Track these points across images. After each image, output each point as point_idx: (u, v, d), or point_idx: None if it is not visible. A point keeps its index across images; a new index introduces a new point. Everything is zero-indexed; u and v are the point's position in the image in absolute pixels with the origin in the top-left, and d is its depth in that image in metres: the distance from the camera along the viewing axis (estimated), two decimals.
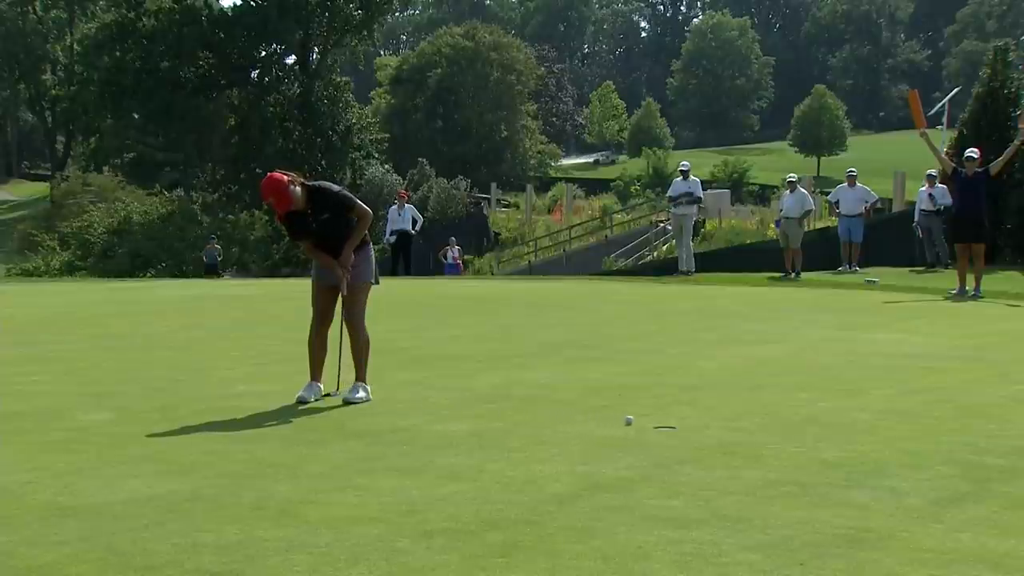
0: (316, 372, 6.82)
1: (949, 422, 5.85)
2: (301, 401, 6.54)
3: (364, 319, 6.89)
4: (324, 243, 6.78)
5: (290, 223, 6.73)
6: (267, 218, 44.63)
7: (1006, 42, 24.16)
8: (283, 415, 6.23)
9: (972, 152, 15.09)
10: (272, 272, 39.92)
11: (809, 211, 19.72)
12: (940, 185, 19.30)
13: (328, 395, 6.75)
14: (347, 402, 6.56)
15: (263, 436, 5.65)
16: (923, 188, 20.19)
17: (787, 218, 18.93)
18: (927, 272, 19.23)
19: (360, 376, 6.82)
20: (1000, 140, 21.41)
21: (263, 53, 53.75)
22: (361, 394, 6.67)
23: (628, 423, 5.77)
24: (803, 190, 19.54)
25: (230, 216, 45.27)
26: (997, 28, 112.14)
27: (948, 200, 18.52)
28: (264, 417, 6.16)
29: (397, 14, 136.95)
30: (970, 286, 14.46)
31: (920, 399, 6.56)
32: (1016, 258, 20.83)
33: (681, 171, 20.13)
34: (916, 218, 20.47)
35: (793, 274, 18.35)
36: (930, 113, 53.05)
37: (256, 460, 5.05)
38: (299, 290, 17.62)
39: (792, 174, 20.57)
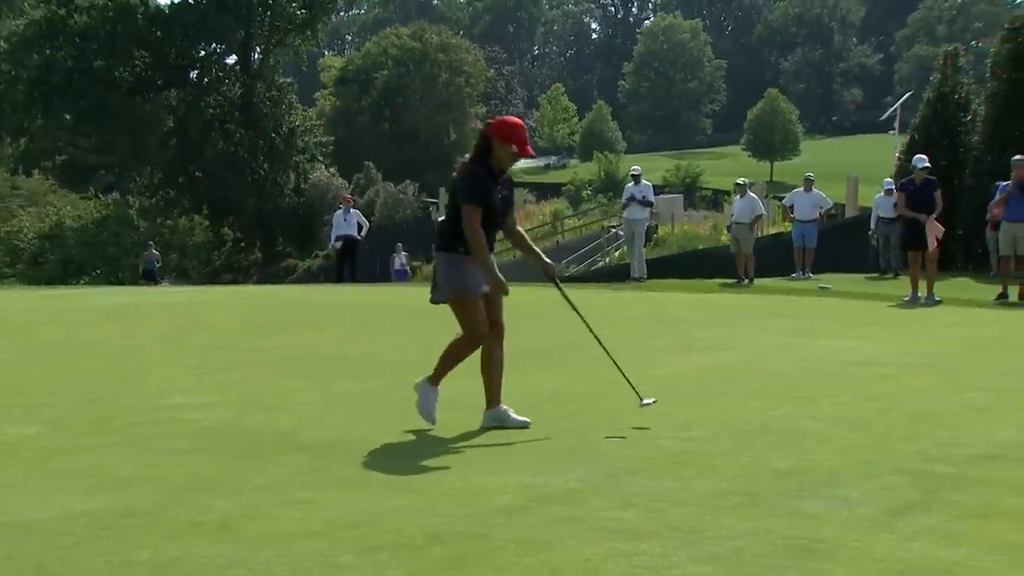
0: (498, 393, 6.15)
1: (901, 430, 5.93)
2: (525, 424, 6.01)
3: None
4: (493, 230, 6.02)
5: (485, 189, 5.90)
6: (207, 223, 44.22)
7: (955, 47, 24.58)
8: (223, 427, 6.16)
9: (922, 159, 15.28)
10: (212, 279, 39.53)
11: (760, 216, 19.89)
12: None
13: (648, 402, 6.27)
14: (521, 427, 6.03)
15: (202, 449, 5.58)
16: (880, 195, 20.35)
17: (738, 223, 19.04)
18: (881, 279, 19.45)
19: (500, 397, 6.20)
20: (951, 146, 21.85)
21: (202, 53, 53.19)
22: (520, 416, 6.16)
23: (646, 404, 6.15)
24: (753, 194, 19.69)
25: (168, 221, 44.78)
26: (947, 33, 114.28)
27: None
28: (203, 429, 6.09)
29: (342, 13, 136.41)
30: (923, 292, 14.68)
31: (872, 407, 6.65)
32: (968, 264, 21.17)
33: (633, 175, 20.24)
34: (873, 226, 20.58)
35: (746, 280, 18.51)
36: (882, 118, 53.94)
37: (194, 474, 4.99)
38: (240, 297, 17.50)
39: (742, 178, 20.71)
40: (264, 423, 6.29)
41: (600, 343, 6.41)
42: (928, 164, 15.21)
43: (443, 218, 6.14)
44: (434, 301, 6.16)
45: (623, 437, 5.75)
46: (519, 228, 6.29)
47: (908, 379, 7.81)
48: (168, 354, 9.47)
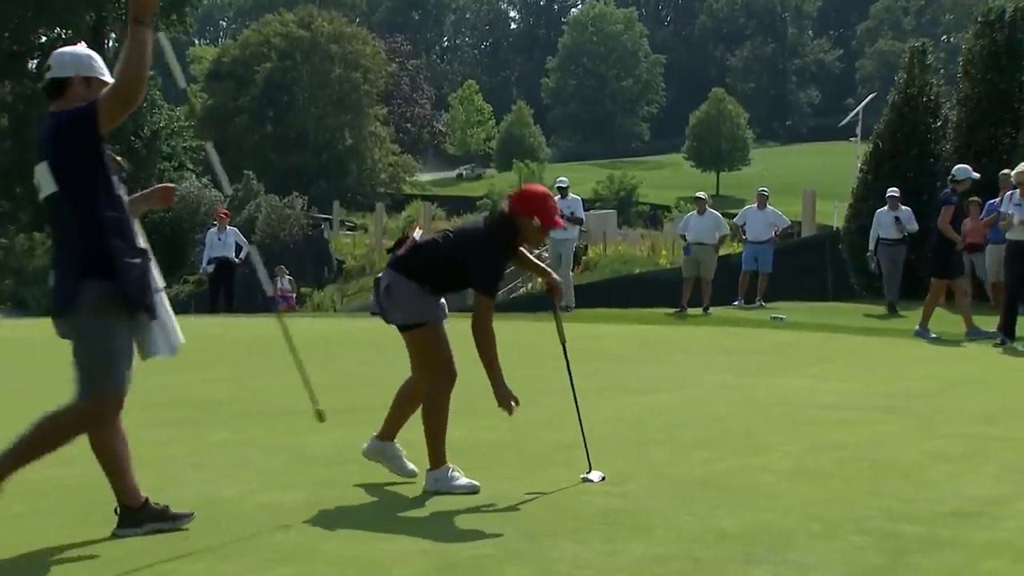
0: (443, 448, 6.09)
1: (862, 483, 6.04)
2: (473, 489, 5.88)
3: None
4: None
5: (502, 273, 6.17)
6: (50, 243, 43.40)
7: (923, 42, 25.05)
8: (68, 486, 6.05)
9: (966, 168, 15.26)
10: None
11: (725, 236, 20.14)
12: (906, 207, 18.97)
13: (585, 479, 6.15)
14: (408, 476, 6.12)
15: (42, 513, 5.47)
16: (884, 210, 19.05)
17: (699, 244, 19.10)
18: (888, 316, 18.50)
19: (395, 435, 6.36)
20: (920, 155, 22.37)
21: (43, 39, 52.33)
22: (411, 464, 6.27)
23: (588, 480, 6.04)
24: (714, 211, 19.83)
25: (2, 240, 43.87)
26: (915, 26, 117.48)
27: (916, 226, 18.66)
28: (44, 490, 5.96)
29: None
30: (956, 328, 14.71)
31: (830, 457, 6.77)
32: None
33: (559, 188, 20.34)
34: (873, 247, 19.22)
35: (703, 310, 18.63)
36: (842, 124, 55.25)
37: (24, 545, 4.89)
38: None
39: (702, 192, 20.83)
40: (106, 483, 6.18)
41: (574, 395, 6.53)
42: (976, 176, 15.17)
43: (419, 251, 6.05)
44: (390, 321, 6.13)
45: (544, 493, 5.77)
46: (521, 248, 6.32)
47: (871, 424, 7.97)
48: None
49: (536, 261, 6.51)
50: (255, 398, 9.32)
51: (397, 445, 6.23)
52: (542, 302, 22.23)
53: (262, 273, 6.27)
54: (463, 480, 5.91)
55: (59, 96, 4.97)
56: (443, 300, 6.08)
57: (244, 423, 8.05)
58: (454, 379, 6.01)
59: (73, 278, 4.85)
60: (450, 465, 5.96)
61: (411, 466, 6.17)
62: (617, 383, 10.19)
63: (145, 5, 4.74)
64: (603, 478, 6.12)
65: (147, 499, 5.12)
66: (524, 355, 11.87)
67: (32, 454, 5.03)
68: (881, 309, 19.05)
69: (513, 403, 5.96)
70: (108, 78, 5.00)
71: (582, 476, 6.12)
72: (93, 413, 5.01)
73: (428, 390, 5.98)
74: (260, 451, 7.03)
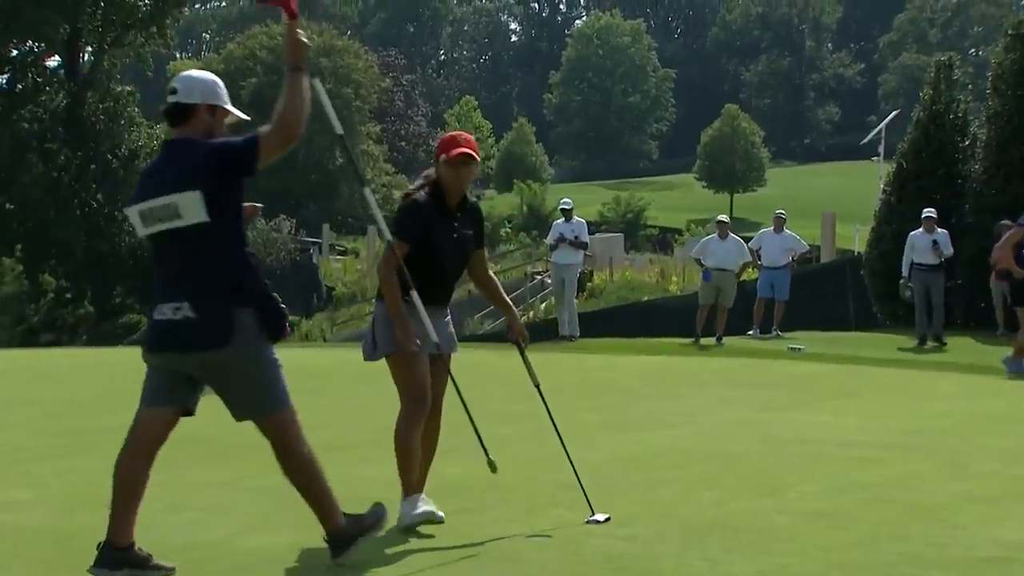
0: (415, 479, 6.18)
1: (887, 527, 6.02)
2: (413, 524, 5.99)
3: None
4: (442, 277, 6.23)
5: (419, 221, 6.07)
6: (20, 268, 43.36)
7: (950, 56, 25.09)
8: (39, 530, 6.04)
9: (930, 212, 15.14)
10: (27, 340, 38.71)
11: (748, 262, 20.19)
12: (942, 229, 18.70)
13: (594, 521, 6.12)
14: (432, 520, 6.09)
15: (10, 560, 5.46)
16: (918, 232, 18.71)
17: (721, 270, 19.12)
18: (921, 350, 18.26)
19: (423, 484, 6.34)
20: (947, 176, 22.39)
21: (15, 52, 52.47)
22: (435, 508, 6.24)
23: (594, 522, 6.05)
24: (736, 236, 19.87)
25: None
26: (941, 38, 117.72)
27: (952, 250, 18.57)
28: (13, 533, 5.96)
29: (197, 6, 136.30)
30: None
31: (852, 498, 6.75)
32: (969, 320, 21.60)
33: (562, 210, 20.42)
34: (906, 273, 18.75)
35: (716, 341, 18.61)
36: (863, 142, 55.36)
37: None
38: (64, 364, 17.14)
39: (723, 215, 20.89)
40: (93, 525, 6.17)
41: (558, 434, 6.54)
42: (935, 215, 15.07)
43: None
44: (365, 359, 6.30)
45: (547, 536, 5.76)
46: (491, 275, 6.53)
47: (896, 463, 7.95)
48: None
49: (503, 296, 6.59)
50: (239, 434, 9.26)
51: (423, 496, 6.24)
52: (544, 330, 22.25)
53: None
54: (423, 508, 6.02)
55: (182, 122, 5.19)
56: (435, 328, 6.06)
57: (227, 461, 8.03)
58: (424, 409, 6.11)
59: (221, 309, 5.05)
60: (417, 495, 6.05)
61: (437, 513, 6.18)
62: (623, 418, 10.18)
63: (299, 52, 5.18)
64: (608, 519, 6.11)
65: (134, 543, 5.12)
66: (522, 388, 11.85)
67: (313, 493, 5.32)
68: (912, 341, 18.84)
69: (414, 347, 6.02)
70: (231, 107, 5.30)
71: (586, 519, 6.12)
72: (292, 424, 5.28)
73: (398, 418, 6.11)
74: (245, 491, 7.02)
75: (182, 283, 5.11)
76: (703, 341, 18.56)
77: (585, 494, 6.27)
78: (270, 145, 5.07)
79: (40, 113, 50.38)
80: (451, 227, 6.14)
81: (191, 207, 5.02)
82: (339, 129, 6.15)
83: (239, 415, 5.29)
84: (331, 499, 5.30)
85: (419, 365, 6.07)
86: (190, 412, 5.39)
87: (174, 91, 5.20)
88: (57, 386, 13.44)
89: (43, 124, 50.24)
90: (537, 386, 6.51)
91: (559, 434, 6.54)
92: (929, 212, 18.75)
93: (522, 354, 6.56)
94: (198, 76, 5.29)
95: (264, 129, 5.09)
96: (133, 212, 5.22)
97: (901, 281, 18.90)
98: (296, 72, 5.11)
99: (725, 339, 18.84)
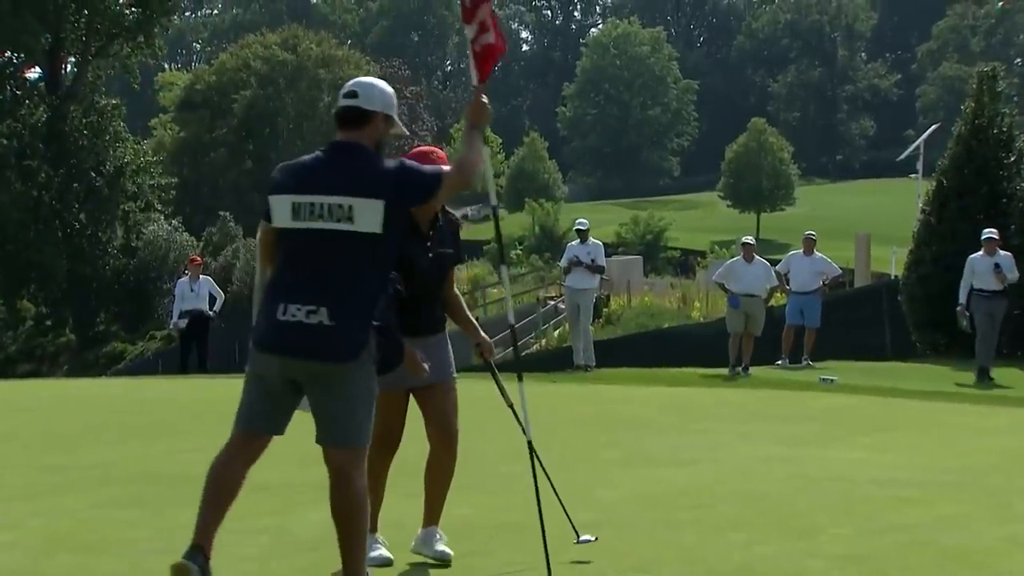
0: (374, 521, 6.27)
1: (927, 573, 6.00)
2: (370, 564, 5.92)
3: None
4: (423, 301, 6.27)
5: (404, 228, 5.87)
6: None
7: (994, 67, 25.10)
8: (17, 574, 6.04)
9: (991, 233, 15.00)
10: (5, 370, 38.85)
11: (776, 288, 20.13)
12: (1005, 252, 18.22)
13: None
14: (438, 559, 6.29)
15: None
16: (979, 255, 18.17)
17: (749, 295, 19.04)
18: (982, 384, 17.73)
19: (438, 517, 6.51)
20: (991, 194, 22.35)
21: None
22: (445, 547, 6.41)
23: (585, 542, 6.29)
24: (761, 258, 19.79)
25: None
26: (984, 47, 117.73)
27: (1016, 274, 18.05)
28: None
29: (188, 14, 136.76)
30: None
31: (890, 541, 6.72)
32: (1016, 349, 21.52)
33: (577, 231, 20.41)
34: (964, 299, 18.19)
35: (741, 371, 18.55)
36: (900, 158, 55.38)
37: None
38: (44, 396, 17.15)
39: (749, 236, 20.81)
40: (74, 569, 6.17)
41: (532, 452, 6.44)
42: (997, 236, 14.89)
43: None
44: None
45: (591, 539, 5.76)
46: (456, 292, 6.57)
47: (937, 504, 7.92)
48: None
49: (466, 314, 6.62)
50: None
51: (437, 529, 6.40)
52: (557, 360, 22.22)
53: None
54: (375, 552, 6.10)
55: (357, 127, 5.37)
56: (426, 352, 6.09)
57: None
58: (383, 447, 6.18)
59: (359, 323, 5.19)
60: (375, 536, 6.19)
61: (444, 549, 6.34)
62: (641, 454, 10.16)
63: (481, 115, 5.59)
64: (596, 539, 6.40)
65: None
66: (536, 421, 11.85)
67: (353, 539, 5.34)
68: (962, 374, 18.54)
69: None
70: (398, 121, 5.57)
71: (576, 540, 6.34)
72: (362, 463, 5.34)
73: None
74: (237, 533, 6.99)
75: (324, 288, 5.18)
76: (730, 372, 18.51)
77: (564, 510, 6.46)
78: (450, 183, 5.33)
79: (19, 128, 50.51)
80: (425, 248, 6.19)
81: (368, 215, 5.15)
82: (495, 201, 6.77)
83: (321, 439, 5.34)
84: (364, 553, 5.34)
85: (385, 408, 6.01)
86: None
87: (354, 95, 5.38)
88: (36, 420, 13.44)
89: (22, 140, 50.37)
90: (511, 406, 6.49)
91: (531, 448, 6.47)
92: (991, 233, 18.20)
93: (493, 372, 6.53)
94: (380, 84, 5.51)
95: (448, 168, 5.42)
96: (283, 201, 5.32)
97: (958, 308, 18.25)
98: (475, 130, 5.50)
99: (752, 369, 18.80)
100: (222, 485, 5.37)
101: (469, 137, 5.47)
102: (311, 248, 5.24)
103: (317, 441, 5.35)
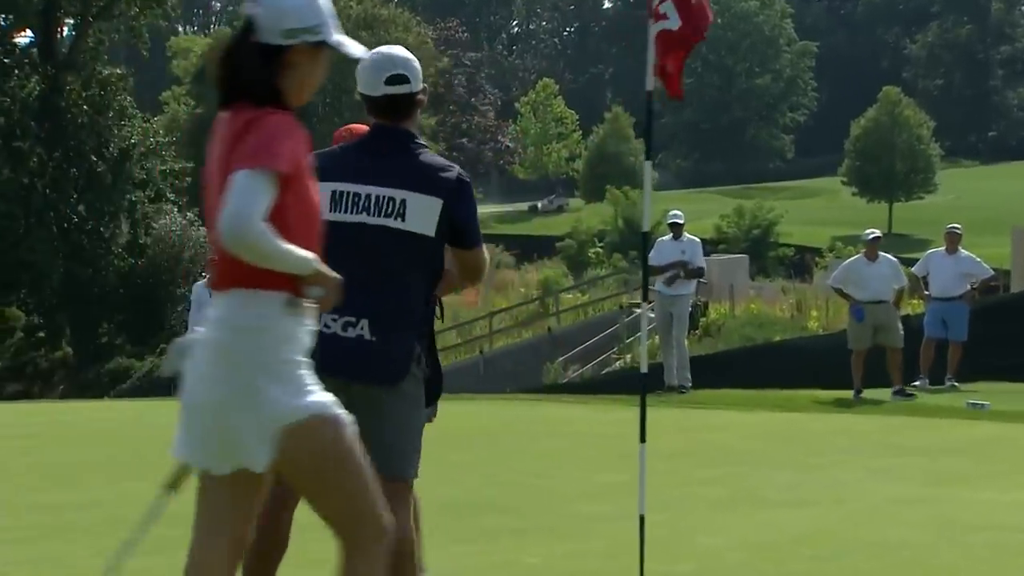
0: None
1: None
2: None
3: None
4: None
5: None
6: None
7: None
8: None
9: None
10: None
11: (904, 288, 19.50)
12: None
13: None
14: None
15: None
16: None
17: (876, 302, 18.74)
18: None
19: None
20: None
21: None
22: None
23: None
24: (888, 255, 19.40)
25: None
26: None
27: None
28: None
29: None
30: None
31: None
32: None
33: (671, 225, 20.35)
34: None
35: (893, 394, 18.16)
36: None
37: None
38: (37, 422, 17.31)
39: (874, 229, 20.28)
40: None
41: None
42: None
43: None
44: None
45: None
46: None
47: None
48: None
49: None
50: None
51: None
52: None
53: None
54: None
55: (407, 115, 5.45)
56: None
57: None
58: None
59: (405, 340, 5.26)
60: None
61: None
62: (749, 493, 10.13)
63: (447, 290, 5.77)
64: None
65: None
66: (615, 451, 11.80)
67: None
68: None
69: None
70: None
71: None
72: (407, 499, 5.35)
73: None
74: None
75: (365, 296, 5.10)
76: (866, 394, 18.25)
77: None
78: (461, 279, 5.78)
79: (7, 103, 50.93)
80: None
81: (423, 214, 5.20)
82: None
83: None
84: None
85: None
86: None
87: (404, 79, 5.38)
88: (27, 450, 13.56)
89: (11, 117, 50.75)
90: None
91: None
92: None
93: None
94: (412, 57, 5.49)
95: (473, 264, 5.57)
96: (322, 190, 5.07)
97: None
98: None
99: (877, 391, 18.48)
100: (266, 535, 5.30)
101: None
102: (350, 247, 5.17)
103: None
